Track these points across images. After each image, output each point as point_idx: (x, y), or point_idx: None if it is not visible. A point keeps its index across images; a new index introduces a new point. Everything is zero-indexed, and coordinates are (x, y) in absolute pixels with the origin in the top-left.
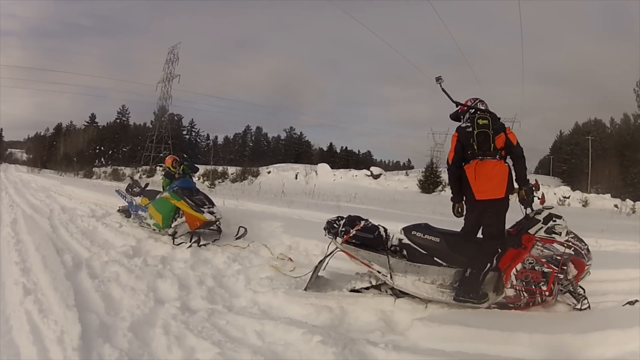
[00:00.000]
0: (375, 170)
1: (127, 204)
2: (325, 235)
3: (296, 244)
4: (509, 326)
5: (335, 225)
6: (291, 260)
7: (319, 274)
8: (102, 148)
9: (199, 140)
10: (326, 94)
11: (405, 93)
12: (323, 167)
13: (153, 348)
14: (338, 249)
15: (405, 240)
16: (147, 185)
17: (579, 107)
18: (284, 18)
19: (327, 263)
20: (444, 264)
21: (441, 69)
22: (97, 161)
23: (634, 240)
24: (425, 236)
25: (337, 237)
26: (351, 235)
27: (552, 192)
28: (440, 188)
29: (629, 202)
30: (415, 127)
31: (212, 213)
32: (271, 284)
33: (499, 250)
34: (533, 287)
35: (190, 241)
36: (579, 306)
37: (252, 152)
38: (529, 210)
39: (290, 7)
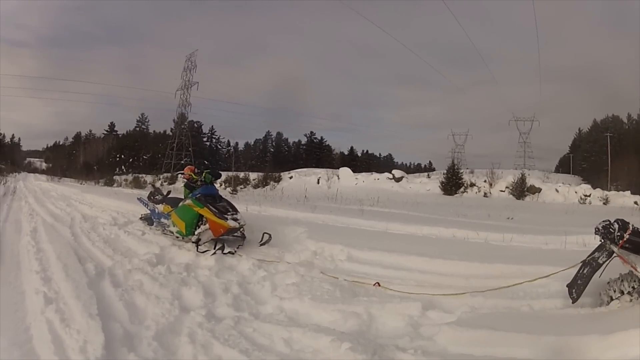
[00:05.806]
0: (397, 173)
1: (149, 211)
2: (600, 240)
3: (321, 249)
4: (537, 329)
5: (611, 230)
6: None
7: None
8: (122, 156)
9: (219, 146)
10: (345, 97)
11: (423, 95)
12: (345, 171)
13: (179, 357)
14: (615, 255)
15: None
16: (169, 192)
17: (596, 103)
18: (301, 23)
19: (603, 271)
20: None
21: (456, 70)
22: (117, 169)
23: None
24: None
25: (613, 243)
26: (625, 239)
27: (573, 190)
28: (462, 190)
29: None
30: (435, 129)
31: (235, 220)
32: (297, 290)
33: None
34: None
35: (214, 248)
36: None
37: (273, 157)
38: None
39: (308, 12)
